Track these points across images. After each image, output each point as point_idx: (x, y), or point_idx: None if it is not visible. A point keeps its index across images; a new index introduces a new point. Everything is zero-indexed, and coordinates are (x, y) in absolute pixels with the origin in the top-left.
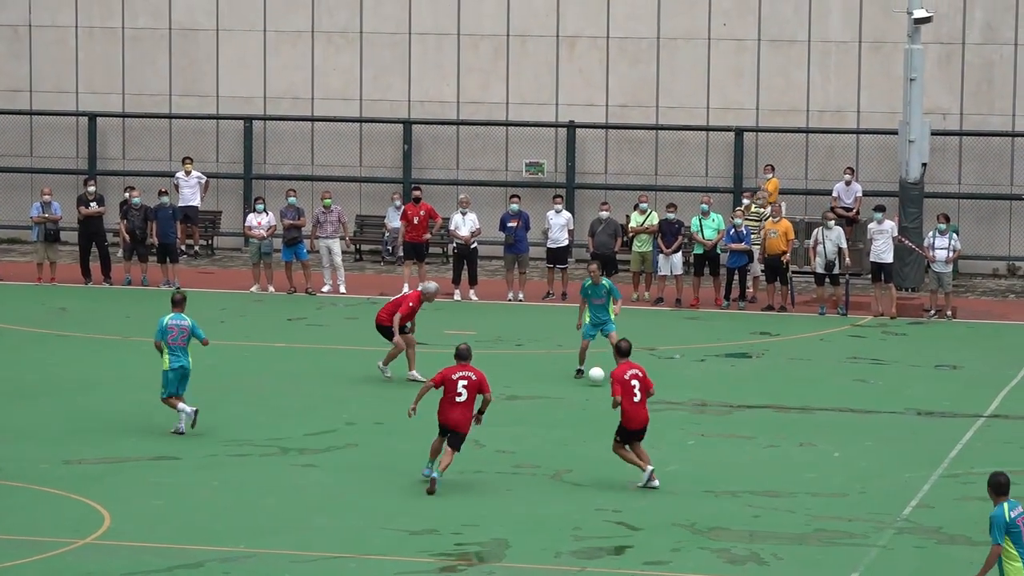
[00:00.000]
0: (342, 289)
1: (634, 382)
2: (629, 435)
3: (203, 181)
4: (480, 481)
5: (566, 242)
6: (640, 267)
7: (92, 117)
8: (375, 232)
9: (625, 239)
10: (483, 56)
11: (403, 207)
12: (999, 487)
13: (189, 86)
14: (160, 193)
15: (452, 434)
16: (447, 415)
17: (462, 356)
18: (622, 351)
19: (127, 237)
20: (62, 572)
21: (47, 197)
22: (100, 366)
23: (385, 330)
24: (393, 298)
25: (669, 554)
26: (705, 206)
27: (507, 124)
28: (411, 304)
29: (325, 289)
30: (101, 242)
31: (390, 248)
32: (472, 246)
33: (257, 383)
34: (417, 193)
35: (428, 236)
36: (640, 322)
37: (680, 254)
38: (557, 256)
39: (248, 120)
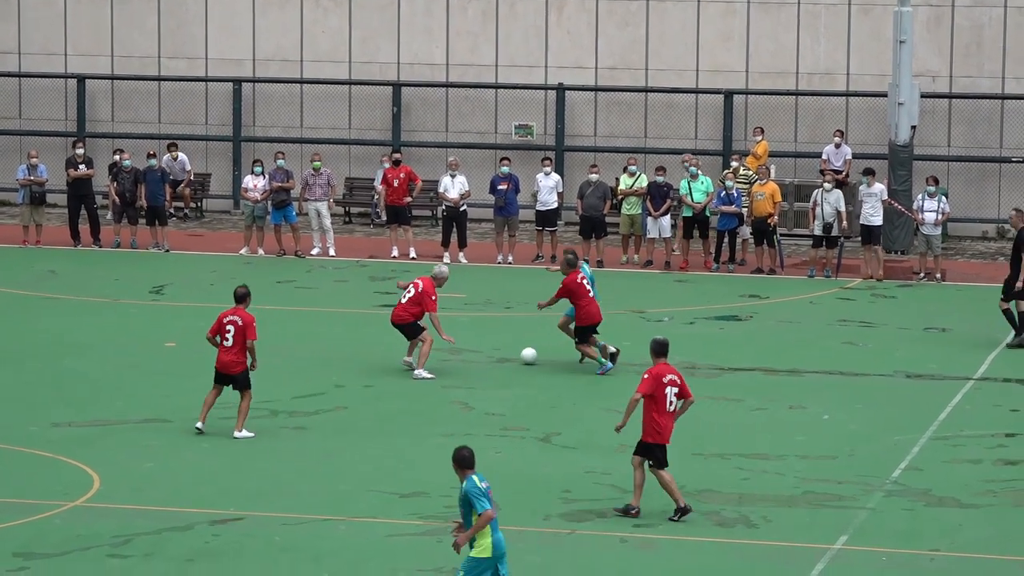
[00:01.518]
0: (331, 252)
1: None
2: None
3: (188, 168)
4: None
5: (555, 204)
6: (629, 230)
7: (81, 79)
8: (364, 195)
9: (614, 202)
10: (472, 19)
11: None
12: (463, 461)
13: (178, 48)
14: (149, 156)
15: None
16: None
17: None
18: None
19: (117, 199)
20: (51, 534)
21: (33, 160)
22: (89, 329)
23: (405, 328)
24: (407, 295)
25: (658, 517)
26: (694, 168)
27: (496, 87)
28: (433, 297)
29: (314, 252)
30: (90, 204)
31: (379, 211)
32: (461, 208)
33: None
34: (397, 156)
35: (409, 199)
36: (629, 285)
37: (668, 217)
38: (546, 218)
39: (237, 82)
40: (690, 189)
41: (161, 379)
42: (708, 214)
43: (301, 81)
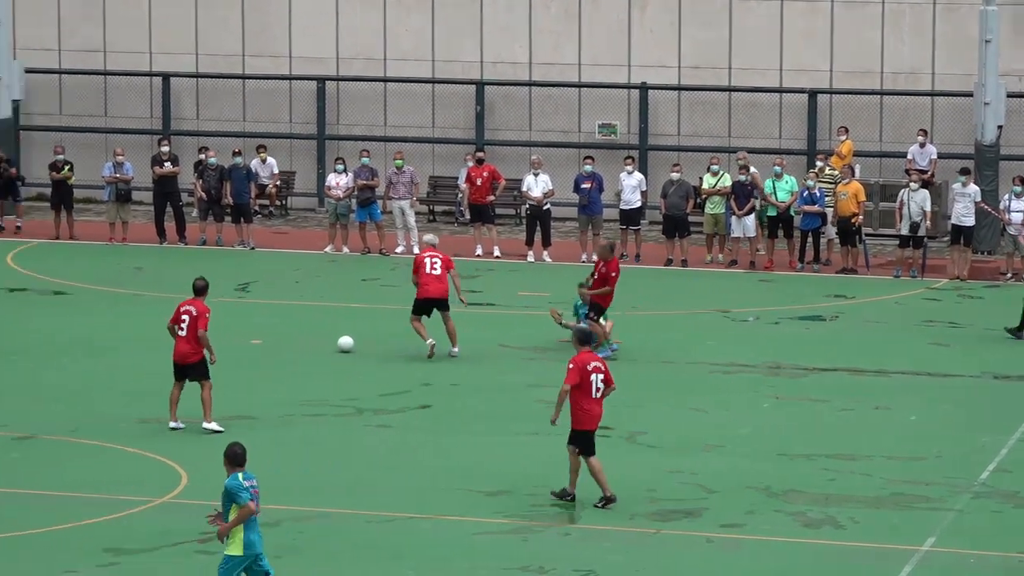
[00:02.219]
0: (415, 250)
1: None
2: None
3: (276, 171)
4: (555, 443)
5: (638, 203)
6: (713, 229)
7: (166, 78)
8: (448, 193)
9: (698, 201)
10: (555, 17)
11: (467, 169)
12: (234, 458)
13: (262, 47)
14: (234, 154)
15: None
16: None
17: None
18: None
19: (203, 197)
20: (139, 530)
21: (119, 157)
22: None
23: (445, 301)
24: (434, 270)
25: (744, 517)
26: (778, 168)
27: (579, 85)
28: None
29: (398, 250)
30: (176, 202)
31: (462, 210)
32: (545, 207)
33: (332, 344)
34: (480, 155)
35: (492, 198)
36: (713, 284)
37: (753, 216)
38: (630, 217)
39: (321, 81)
40: (774, 188)
41: (247, 376)
42: (792, 214)
43: (384, 80)
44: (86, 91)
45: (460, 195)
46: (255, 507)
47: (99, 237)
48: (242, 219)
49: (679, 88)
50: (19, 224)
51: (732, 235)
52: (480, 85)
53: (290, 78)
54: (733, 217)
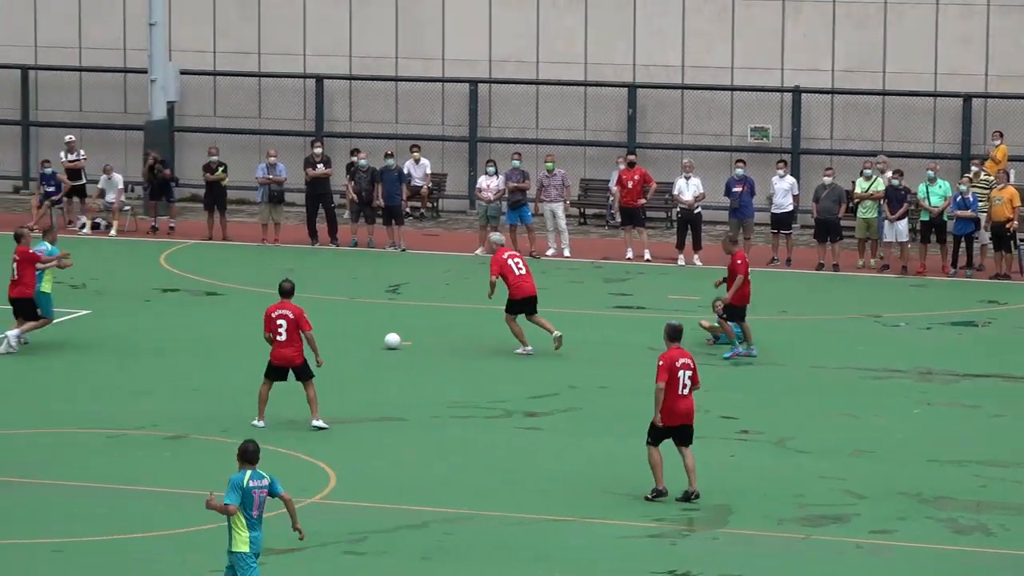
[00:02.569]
0: (566, 253)
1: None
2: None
3: (428, 172)
4: (704, 447)
5: (790, 207)
6: (865, 233)
7: (319, 79)
8: (599, 196)
9: (850, 205)
10: (708, 19)
11: (618, 172)
12: (245, 454)
13: (415, 49)
14: (386, 155)
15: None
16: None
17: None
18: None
19: (354, 198)
20: (288, 531)
21: (272, 159)
22: (326, 327)
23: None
24: (521, 269)
25: (894, 523)
26: (932, 172)
27: (732, 89)
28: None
29: (549, 252)
30: (328, 203)
31: (613, 213)
32: (696, 211)
33: (480, 346)
34: (631, 158)
35: (643, 201)
36: (865, 289)
37: (906, 221)
38: (781, 221)
39: (473, 83)
40: (928, 193)
41: (396, 377)
42: (946, 219)
43: (537, 82)
44: (240, 93)
45: (611, 198)
46: (233, 509)
47: (251, 238)
48: (393, 221)
49: (832, 92)
50: (172, 225)
51: (884, 240)
52: (632, 88)
53: (442, 80)
54: (886, 221)
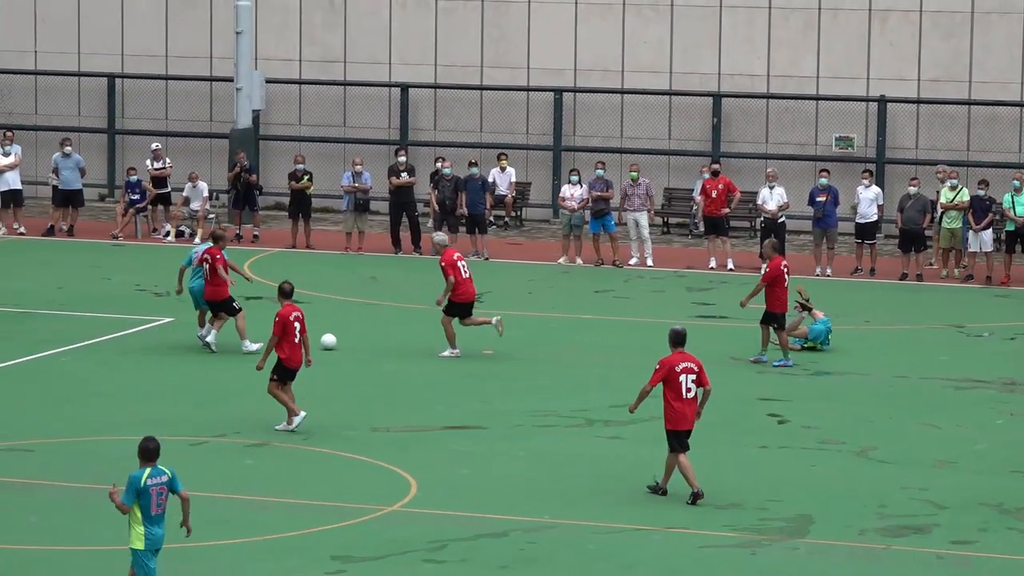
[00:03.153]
0: (649, 262)
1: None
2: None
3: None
4: (785, 456)
5: (875, 217)
6: (949, 243)
7: (404, 88)
8: (683, 205)
9: (935, 215)
10: (794, 29)
11: (702, 182)
12: (145, 453)
13: (500, 58)
14: (470, 164)
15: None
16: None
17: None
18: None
19: (437, 207)
20: (369, 538)
21: (358, 167)
22: (408, 334)
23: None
24: (467, 272)
25: (976, 534)
26: (1017, 182)
27: (817, 98)
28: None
29: (632, 261)
30: (411, 212)
31: (697, 222)
32: (779, 220)
33: (563, 354)
34: (716, 167)
35: (727, 210)
36: (949, 299)
37: (990, 231)
38: (865, 231)
39: (558, 92)
40: (1013, 203)
41: (478, 386)
42: None
43: (622, 91)
44: (325, 101)
45: (695, 207)
46: (127, 510)
47: (335, 246)
48: (476, 229)
49: (918, 101)
50: (256, 233)
51: (969, 250)
52: (717, 97)
53: (527, 89)
54: (970, 232)
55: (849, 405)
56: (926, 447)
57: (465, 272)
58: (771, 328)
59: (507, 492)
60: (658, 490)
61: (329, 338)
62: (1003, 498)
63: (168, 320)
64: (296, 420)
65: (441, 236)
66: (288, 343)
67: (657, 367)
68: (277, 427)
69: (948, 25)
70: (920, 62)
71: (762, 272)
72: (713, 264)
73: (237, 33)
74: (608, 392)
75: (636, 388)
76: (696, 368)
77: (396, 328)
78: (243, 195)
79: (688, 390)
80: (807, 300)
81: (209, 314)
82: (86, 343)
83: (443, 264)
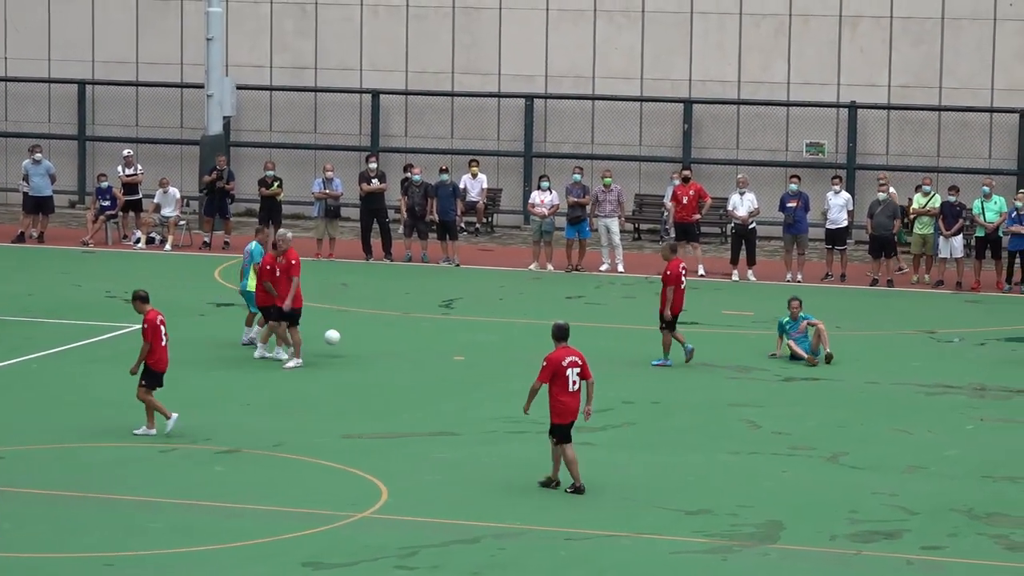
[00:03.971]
0: (620, 268)
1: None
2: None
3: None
4: (756, 462)
5: (845, 223)
6: (921, 249)
7: (375, 94)
8: (654, 211)
9: (905, 221)
10: (764, 35)
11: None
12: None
13: (471, 64)
14: (441, 170)
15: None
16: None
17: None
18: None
19: (406, 214)
20: (340, 545)
21: (329, 173)
22: (380, 342)
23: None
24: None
25: (946, 539)
26: (987, 188)
27: (788, 104)
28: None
29: (603, 268)
30: (382, 219)
31: (668, 228)
32: (750, 226)
33: (534, 360)
34: (687, 173)
35: (698, 216)
36: (920, 305)
37: (961, 237)
38: (836, 237)
39: (529, 98)
40: (983, 209)
41: (449, 392)
42: (1001, 235)
43: (593, 97)
44: (296, 107)
45: (665, 213)
46: None
47: (305, 252)
48: (447, 236)
49: (889, 107)
50: (227, 240)
51: (939, 256)
52: (688, 103)
53: (499, 95)
54: (941, 237)
55: (820, 411)
56: (897, 453)
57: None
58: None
59: (478, 498)
60: (551, 483)
61: (333, 333)
62: (973, 503)
63: (138, 327)
64: (169, 424)
65: (284, 231)
66: (156, 347)
67: (544, 364)
68: (136, 431)
69: (918, 31)
70: (890, 68)
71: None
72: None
73: (208, 39)
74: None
75: (609, 394)
76: (580, 362)
77: (368, 335)
78: (215, 202)
79: (574, 383)
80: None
81: (259, 316)
82: (56, 350)
83: (294, 261)
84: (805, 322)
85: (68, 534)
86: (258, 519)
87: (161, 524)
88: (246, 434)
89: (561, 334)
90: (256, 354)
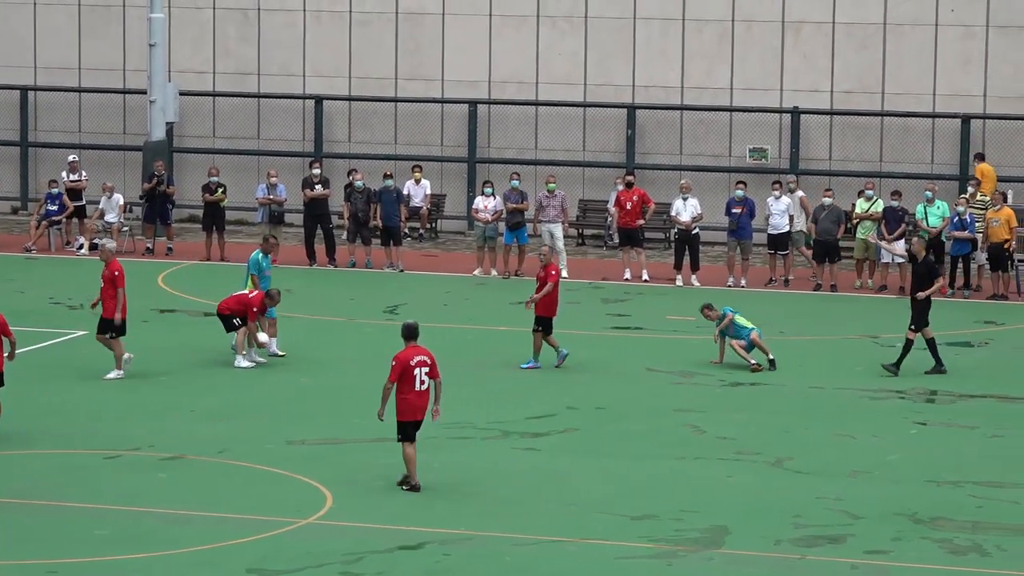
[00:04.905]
0: (564, 273)
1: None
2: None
3: (428, 193)
4: (701, 467)
5: (787, 228)
6: (864, 254)
7: (319, 100)
8: (598, 217)
9: (848, 226)
10: (707, 41)
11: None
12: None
13: (415, 70)
14: (384, 176)
15: None
16: None
17: None
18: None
19: (349, 220)
20: (284, 551)
21: (273, 179)
22: (325, 347)
23: (225, 319)
24: (241, 294)
25: (890, 543)
26: (930, 193)
27: (731, 109)
28: (255, 309)
29: None
30: (326, 224)
31: (611, 233)
32: (693, 231)
33: (478, 367)
34: (630, 178)
35: (641, 222)
36: (863, 309)
37: (903, 241)
38: (777, 242)
39: (473, 104)
40: (926, 214)
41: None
42: (943, 239)
43: (536, 103)
44: (239, 113)
45: (609, 218)
46: None
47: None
48: (391, 242)
49: (831, 112)
50: (170, 246)
51: (882, 261)
52: (631, 109)
53: (442, 101)
54: (883, 242)
55: (765, 416)
56: (841, 457)
57: None
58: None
59: (424, 504)
60: (407, 484)
61: (263, 336)
62: (917, 508)
63: (82, 333)
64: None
65: (111, 242)
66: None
67: (394, 363)
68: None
69: (861, 37)
70: (833, 73)
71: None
72: (628, 276)
73: (151, 46)
74: (524, 404)
75: (554, 400)
76: (429, 361)
77: (312, 341)
78: (156, 208)
79: (422, 383)
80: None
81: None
82: None
83: (117, 272)
84: (728, 316)
85: (11, 541)
86: (202, 526)
87: (105, 531)
88: (190, 441)
89: (410, 333)
90: (242, 364)
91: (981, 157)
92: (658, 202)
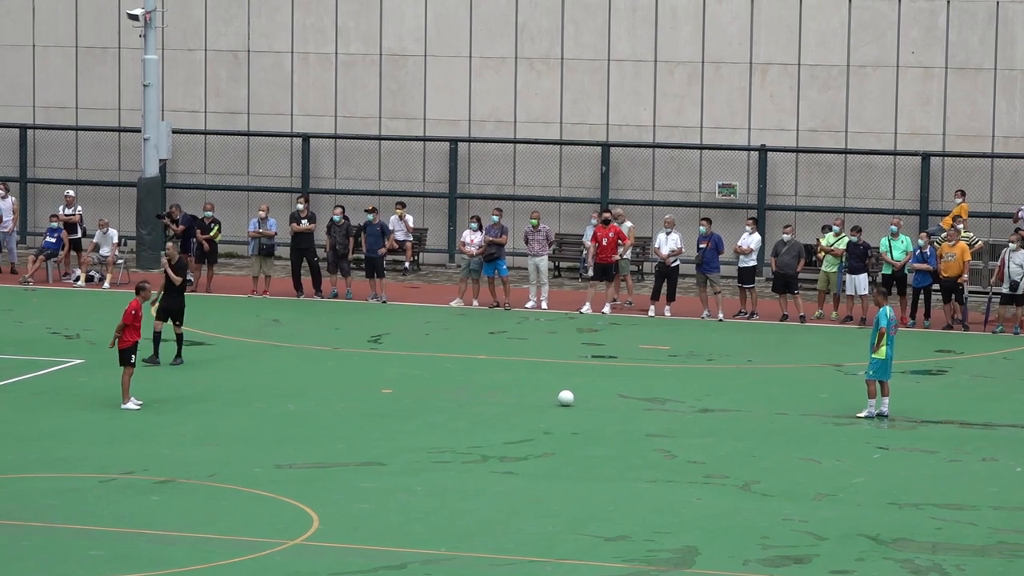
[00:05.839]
0: (543, 305)
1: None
2: None
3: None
4: (672, 490)
5: (753, 262)
6: (826, 286)
7: (306, 138)
8: (574, 250)
9: (813, 259)
10: (678, 82)
11: (593, 229)
12: None
13: (398, 109)
14: (366, 211)
15: None
16: None
17: None
18: None
19: (326, 255)
20: (272, 571)
21: (263, 213)
22: (311, 375)
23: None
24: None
25: (854, 563)
26: (895, 227)
27: (701, 147)
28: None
29: (529, 305)
30: (311, 257)
31: (586, 266)
32: (673, 264)
33: (459, 393)
34: (607, 215)
35: (616, 257)
36: (826, 340)
37: (865, 275)
38: (744, 276)
39: (454, 142)
40: (891, 247)
41: (378, 424)
42: (906, 272)
43: (514, 141)
44: (229, 151)
45: (584, 252)
46: None
47: (238, 290)
48: (375, 273)
49: (797, 150)
50: (190, 278)
51: (845, 292)
52: (605, 146)
53: (424, 139)
54: (846, 275)
55: (733, 441)
56: (806, 481)
57: None
58: None
59: (406, 526)
60: None
61: (567, 395)
62: (880, 529)
63: (79, 362)
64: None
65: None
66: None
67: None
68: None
69: (825, 78)
70: (799, 113)
71: None
72: (587, 308)
73: (145, 86)
74: (502, 430)
75: (531, 426)
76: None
77: (299, 369)
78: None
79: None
80: None
81: None
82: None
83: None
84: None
85: (6, 561)
86: (193, 546)
87: (99, 552)
88: (182, 465)
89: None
90: (130, 407)
91: (963, 194)
92: (636, 236)
